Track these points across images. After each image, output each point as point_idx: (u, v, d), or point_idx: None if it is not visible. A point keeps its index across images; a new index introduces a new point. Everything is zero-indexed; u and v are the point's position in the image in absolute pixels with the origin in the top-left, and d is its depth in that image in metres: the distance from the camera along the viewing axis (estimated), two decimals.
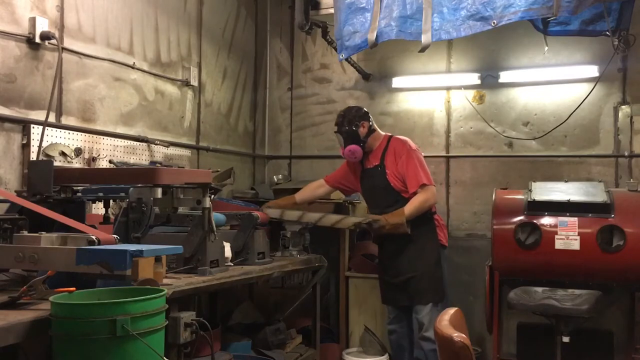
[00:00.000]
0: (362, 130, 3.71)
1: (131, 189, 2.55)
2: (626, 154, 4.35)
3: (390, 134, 3.83)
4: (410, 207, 3.51)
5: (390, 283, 3.71)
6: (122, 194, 2.68)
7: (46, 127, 2.99)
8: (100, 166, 3.34)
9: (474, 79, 4.73)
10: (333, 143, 5.10)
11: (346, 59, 4.13)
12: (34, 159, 2.92)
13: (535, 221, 3.82)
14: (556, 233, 3.76)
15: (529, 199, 3.91)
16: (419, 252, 3.60)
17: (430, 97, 4.90)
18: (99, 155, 3.35)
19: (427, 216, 3.64)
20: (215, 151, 4.57)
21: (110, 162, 3.41)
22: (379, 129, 3.83)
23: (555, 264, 3.76)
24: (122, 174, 2.63)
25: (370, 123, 3.75)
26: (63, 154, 3.09)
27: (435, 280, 3.60)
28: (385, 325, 4.00)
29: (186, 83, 4.21)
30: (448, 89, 4.86)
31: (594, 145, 4.47)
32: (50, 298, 1.75)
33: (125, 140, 3.59)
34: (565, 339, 3.36)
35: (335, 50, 3.97)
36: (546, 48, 4.26)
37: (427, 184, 3.55)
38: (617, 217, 3.70)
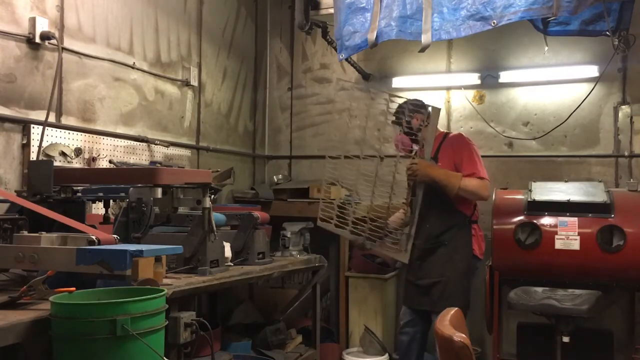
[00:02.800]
0: (415, 122, 3.64)
1: (131, 189, 2.55)
2: (626, 154, 4.35)
3: (447, 131, 3.79)
4: (466, 180, 3.40)
5: (414, 284, 3.56)
6: (122, 194, 2.68)
7: (46, 127, 2.99)
8: (100, 166, 3.34)
9: (474, 79, 4.73)
10: (333, 143, 5.11)
11: (346, 59, 4.13)
12: (34, 159, 2.92)
13: (535, 221, 3.82)
14: (556, 233, 3.76)
15: (529, 199, 3.91)
16: (448, 258, 3.46)
17: (430, 97, 4.88)
18: (99, 155, 3.35)
19: (465, 222, 3.51)
20: (215, 151, 4.57)
21: (110, 162, 3.41)
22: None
23: (555, 264, 3.75)
24: (122, 174, 2.62)
25: (426, 116, 3.64)
26: (63, 154, 3.09)
27: (460, 290, 3.44)
28: (399, 324, 3.78)
29: (186, 83, 4.21)
30: (448, 89, 4.86)
31: (594, 145, 4.47)
32: (50, 298, 1.75)
33: (125, 140, 3.59)
34: (565, 339, 3.36)
35: (335, 50, 3.96)
36: (546, 48, 4.26)
37: (484, 177, 3.46)
38: (617, 217, 3.70)
